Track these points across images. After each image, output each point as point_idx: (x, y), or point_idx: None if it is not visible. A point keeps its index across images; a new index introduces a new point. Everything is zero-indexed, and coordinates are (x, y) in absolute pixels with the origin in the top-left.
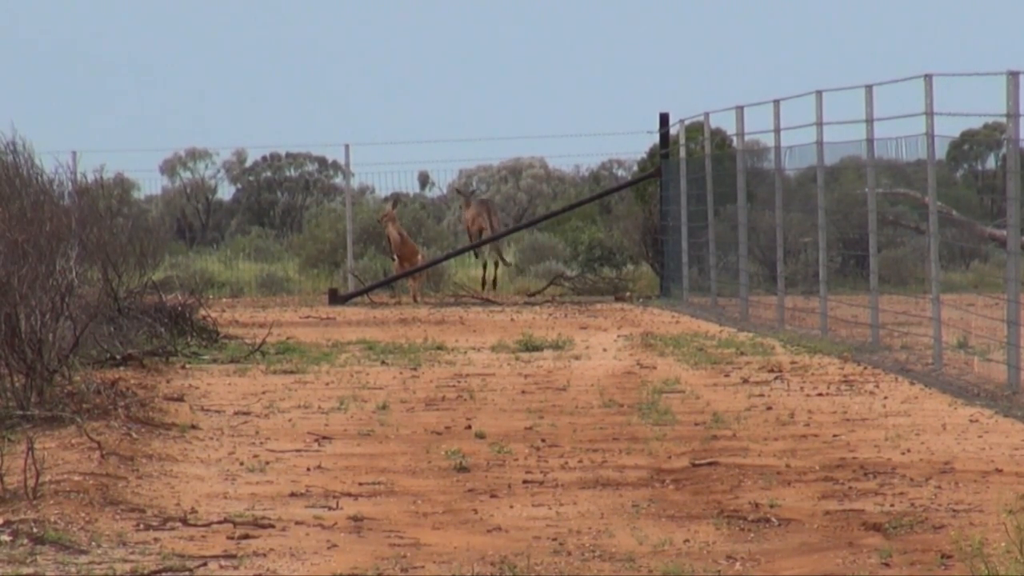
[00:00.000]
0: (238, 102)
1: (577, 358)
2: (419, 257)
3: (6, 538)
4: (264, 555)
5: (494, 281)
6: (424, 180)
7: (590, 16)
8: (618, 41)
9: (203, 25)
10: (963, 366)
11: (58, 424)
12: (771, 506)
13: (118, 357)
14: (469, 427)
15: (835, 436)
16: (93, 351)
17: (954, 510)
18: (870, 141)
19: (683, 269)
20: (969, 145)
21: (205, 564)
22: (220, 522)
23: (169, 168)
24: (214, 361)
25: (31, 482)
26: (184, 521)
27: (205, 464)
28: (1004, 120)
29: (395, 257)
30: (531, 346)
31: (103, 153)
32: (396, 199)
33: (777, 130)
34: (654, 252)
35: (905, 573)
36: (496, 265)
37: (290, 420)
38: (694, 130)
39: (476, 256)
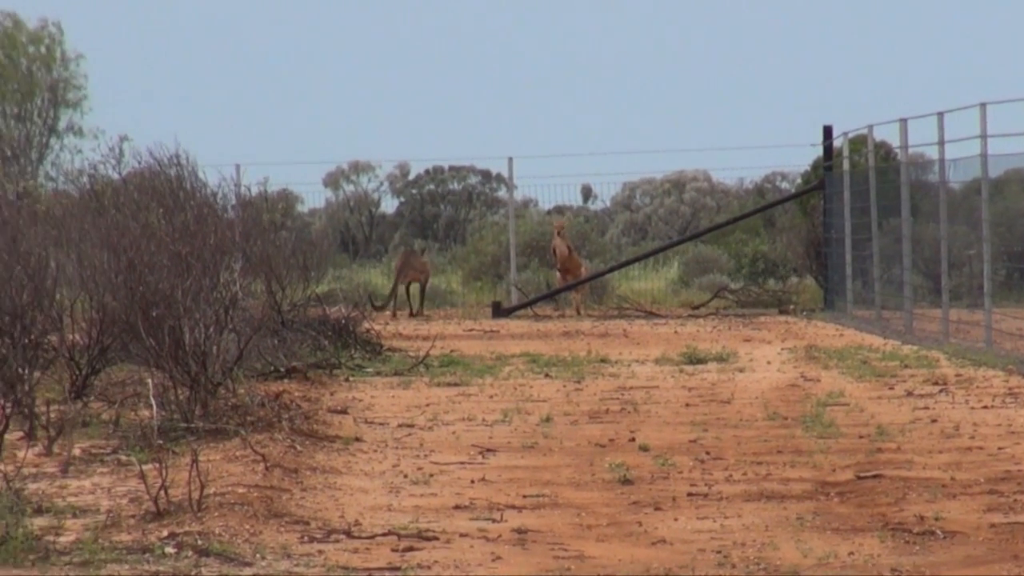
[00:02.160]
0: (402, 115)
1: (741, 371)
2: (583, 271)
3: (171, 550)
4: (428, 567)
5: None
6: (587, 193)
7: (754, 29)
8: (782, 54)
9: (367, 39)
10: None
11: (222, 436)
12: (936, 519)
13: (282, 370)
14: (633, 440)
15: (1000, 449)
16: (257, 364)
17: None
18: None
19: (847, 282)
20: None
21: None
22: (384, 534)
23: (333, 181)
24: (378, 374)
25: (195, 494)
26: (348, 533)
27: (369, 476)
28: None
29: (559, 270)
30: (695, 359)
31: (267, 166)
32: (561, 212)
33: (941, 143)
34: (818, 265)
35: None
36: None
37: (454, 432)
38: (858, 143)
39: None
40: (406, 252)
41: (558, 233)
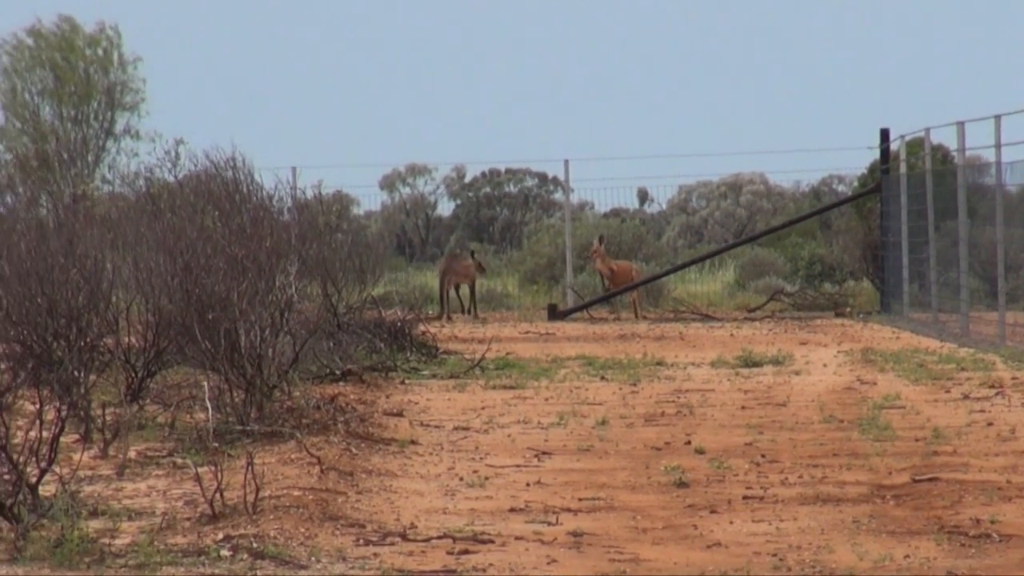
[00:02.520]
0: (458, 118)
1: (797, 373)
2: (634, 274)
3: (226, 553)
4: (483, 570)
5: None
6: (643, 196)
7: (810, 32)
8: (839, 56)
9: (421, 42)
10: None
11: (278, 439)
12: (992, 522)
13: (337, 372)
14: (689, 443)
15: None
16: (312, 366)
17: None
18: None
19: (903, 285)
20: None
21: None
22: (440, 537)
23: (388, 184)
24: (433, 376)
25: (251, 497)
26: (404, 536)
27: (425, 479)
28: None
29: (609, 286)
30: (751, 362)
31: (323, 169)
32: (602, 237)
33: (998, 145)
34: (874, 268)
35: None
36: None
37: (509, 435)
38: (915, 146)
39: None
40: (448, 256)
41: (595, 257)
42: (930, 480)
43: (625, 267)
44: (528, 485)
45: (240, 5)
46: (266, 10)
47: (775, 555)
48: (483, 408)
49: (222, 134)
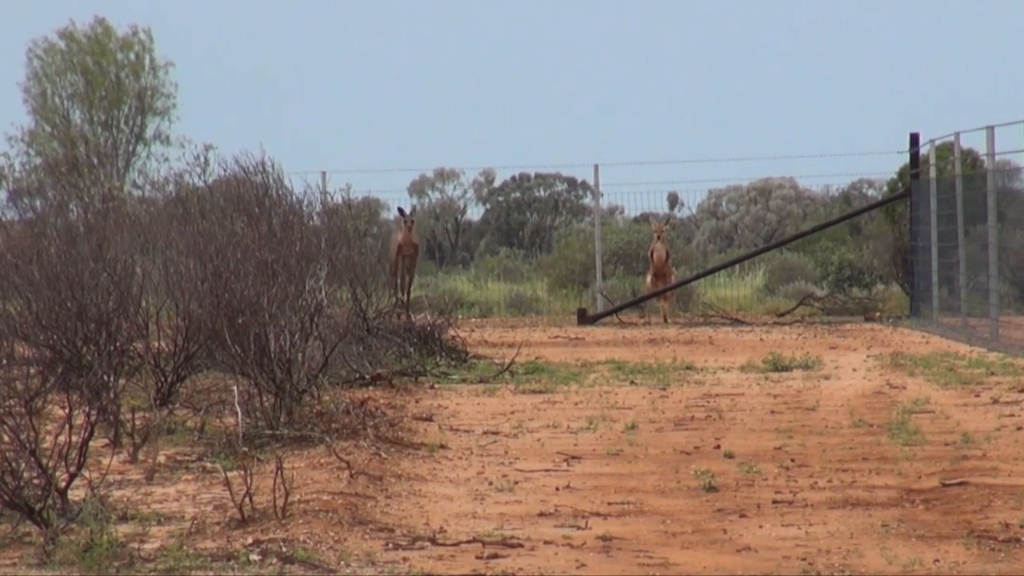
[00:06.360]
0: (487, 123)
1: (826, 378)
2: (673, 278)
3: (255, 557)
4: (513, 575)
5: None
6: (673, 200)
7: (840, 37)
8: (869, 61)
9: (453, 47)
10: None
11: (307, 444)
12: (1021, 526)
13: (367, 377)
14: (718, 447)
15: None
16: (342, 371)
17: None
18: None
19: (933, 289)
20: None
21: None
22: (469, 541)
23: (418, 188)
24: (463, 381)
25: (280, 501)
26: (433, 540)
27: (454, 484)
28: None
29: (652, 274)
30: (780, 366)
31: (353, 173)
32: (668, 218)
33: None
34: (904, 272)
35: None
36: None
37: (539, 440)
38: (944, 150)
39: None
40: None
41: (658, 236)
42: (959, 484)
43: (671, 268)
44: (557, 489)
45: (270, 11)
46: (296, 16)
47: (804, 559)
48: (512, 412)
49: (251, 139)
